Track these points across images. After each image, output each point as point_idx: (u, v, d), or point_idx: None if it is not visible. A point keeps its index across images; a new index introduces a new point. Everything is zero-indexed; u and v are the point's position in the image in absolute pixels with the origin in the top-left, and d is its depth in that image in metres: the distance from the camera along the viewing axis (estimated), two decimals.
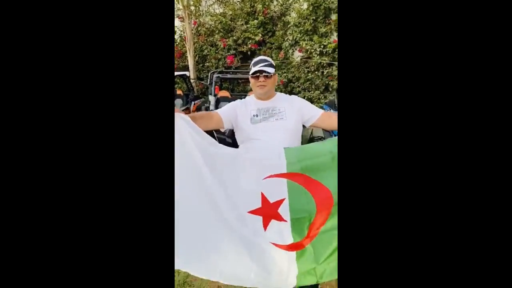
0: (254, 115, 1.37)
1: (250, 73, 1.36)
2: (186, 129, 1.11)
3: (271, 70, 1.34)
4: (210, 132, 3.55)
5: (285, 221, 1.13)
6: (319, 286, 1.68)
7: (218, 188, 1.13)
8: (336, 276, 1.12)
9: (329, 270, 1.10)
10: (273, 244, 1.12)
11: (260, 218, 1.14)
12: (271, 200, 1.14)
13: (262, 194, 1.15)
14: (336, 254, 1.10)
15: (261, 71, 1.32)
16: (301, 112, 1.39)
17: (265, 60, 1.36)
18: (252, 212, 1.14)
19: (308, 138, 3.14)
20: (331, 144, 1.15)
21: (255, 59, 1.40)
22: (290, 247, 1.12)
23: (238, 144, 1.43)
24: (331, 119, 1.39)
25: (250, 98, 1.45)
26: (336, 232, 1.07)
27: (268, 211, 1.14)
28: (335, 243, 1.10)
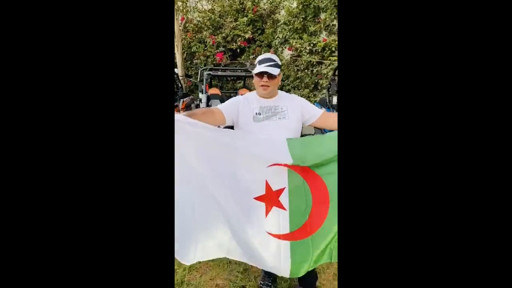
0: (256, 113, 1.34)
1: (254, 71, 1.34)
2: (184, 128, 1.12)
3: (275, 71, 1.30)
4: None
5: (285, 209, 1.22)
6: (318, 285, 1.70)
7: (224, 176, 1.19)
8: (328, 260, 1.22)
9: (323, 257, 1.20)
10: (269, 233, 1.21)
11: (263, 204, 1.23)
12: (274, 188, 1.22)
13: (266, 182, 1.22)
14: (331, 243, 1.18)
15: (265, 72, 1.30)
16: (301, 112, 1.38)
17: (271, 60, 1.33)
18: (257, 198, 1.22)
19: (300, 135, 3.15)
20: (332, 140, 1.19)
21: (260, 57, 1.37)
22: (284, 237, 1.21)
23: None
24: (331, 119, 1.39)
25: (252, 95, 1.42)
26: (334, 228, 1.17)
27: (270, 198, 1.22)
28: (330, 237, 1.18)
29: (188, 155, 1.15)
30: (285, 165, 1.20)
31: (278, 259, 1.21)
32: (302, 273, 1.23)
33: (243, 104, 1.36)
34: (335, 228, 1.18)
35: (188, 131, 1.13)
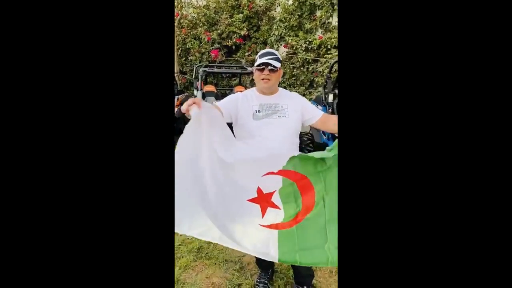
0: (256, 111, 1.32)
1: (255, 65, 1.31)
2: (204, 123, 1.14)
3: (277, 64, 1.29)
4: None
5: (279, 208, 1.28)
6: (314, 283, 1.70)
7: (220, 175, 1.23)
8: (325, 265, 1.27)
9: (308, 258, 1.25)
10: (261, 225, 1.27)
11: (257, 206, 1.27)
12: (265, 191, 1.26)
13: (259, 188, 1.25)
14: (319, 249, 1.23)
15: (266, 64, 1.27)
16: (301, 111, 1.37)
17: (272, 54, 1.31)
18: (251, 200, 1.26)
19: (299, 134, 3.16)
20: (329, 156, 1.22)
21: (261, 52, 1.35)
22: (274, 226, 1.27)
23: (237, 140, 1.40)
24: (331, 121, 1.37)
25: (252, 92, 1.39)
26: (320, 223, 1.24)
27: (263, 200, 1.26)
28: (318, 239, 1.24)
29: (194, 142, 1.16)
30: (279, 173, 1.23)
31: (267, 246, 1.25)
32: (290, 261, 1.27)
33: (242, 101, 1.34)
34: (322, 225, 1.24)
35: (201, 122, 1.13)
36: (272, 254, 1.24)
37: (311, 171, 1.24)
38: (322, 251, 1.23)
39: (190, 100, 1.06)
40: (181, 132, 1.10)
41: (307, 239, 1.25)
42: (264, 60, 1.27)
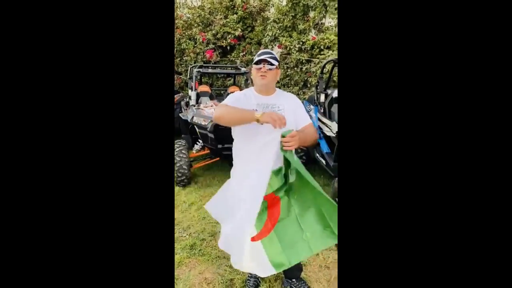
0: (254, 110, 1.37)
1: (253, 62, 1.39)
2: None
3: (274, 62, 1.36)
4: (192, 128, 3.44)
5: None
6: (304, 276, 1.75)
7: None
8: (300, 259, 1.36)
9: (295, 255, 1.32)
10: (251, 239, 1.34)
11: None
12: None
13: None
14: (299, 241, 1.31)
15: (264, 61, 1.34)
16: (295, 113, 1.43)
17: (270, 53, 1.39)
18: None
19: None
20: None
21: (260, 51, 1.43)
22: (256, 237, 1.34)
23: (233, 137, 1.46)
24: (308, 132, 1.41)
25: (250, 92, 1.45)
26: (292, 219, 1.33)
27: None
28: (295, 233, 1.33)
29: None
30: None
31: (257, 260, 1.31)
32: (285, 265, 1.32)
33: (243, 101, 1.40)
34: (294, 219, 1.33)
35: None
36: (267, 267, 1.31)
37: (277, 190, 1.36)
38: (303, 242, 1.30)
39: (276, 116, 1.15)
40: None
41: (286, 237, 1.32)
42: (262, 57, 1.35)
